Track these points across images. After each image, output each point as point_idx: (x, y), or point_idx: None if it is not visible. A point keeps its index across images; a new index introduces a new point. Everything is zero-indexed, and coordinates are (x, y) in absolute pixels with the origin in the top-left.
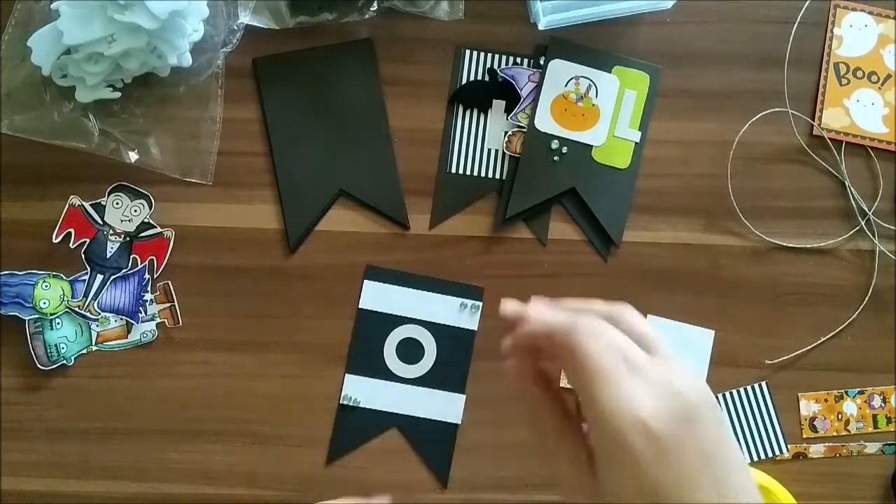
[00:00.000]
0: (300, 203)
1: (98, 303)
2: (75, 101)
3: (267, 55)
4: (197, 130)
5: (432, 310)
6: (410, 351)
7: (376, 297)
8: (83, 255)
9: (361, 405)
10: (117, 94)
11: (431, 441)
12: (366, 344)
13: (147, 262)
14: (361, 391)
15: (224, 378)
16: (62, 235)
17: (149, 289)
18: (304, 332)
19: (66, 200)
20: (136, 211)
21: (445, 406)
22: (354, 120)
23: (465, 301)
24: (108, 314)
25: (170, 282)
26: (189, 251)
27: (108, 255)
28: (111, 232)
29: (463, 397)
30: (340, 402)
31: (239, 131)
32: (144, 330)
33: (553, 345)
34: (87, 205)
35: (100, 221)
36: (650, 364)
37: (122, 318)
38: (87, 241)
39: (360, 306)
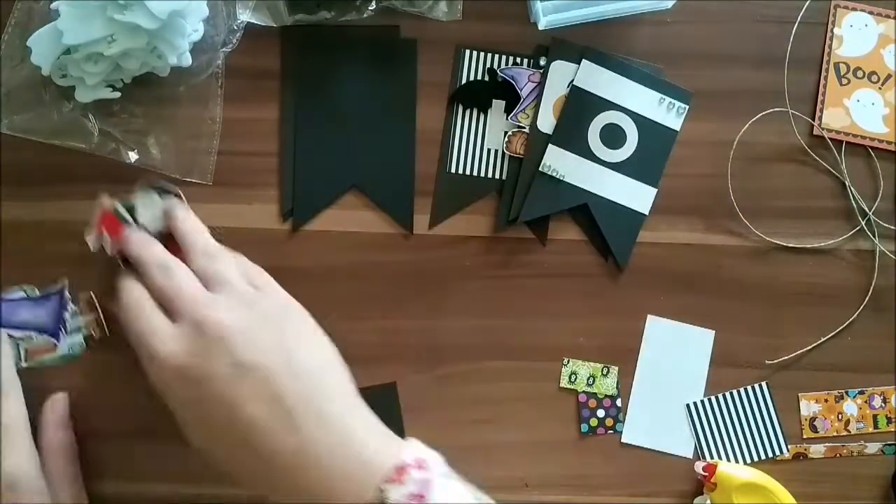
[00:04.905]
0: (312, 182)
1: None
2: (75, 101)
3: (298, 24)
4: (197, 130)
5: (639, 102)
6: (613, 136)
7: (591, 78)
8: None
9: (560, 178)
10: (117, 94)
11: (617, 225)
12: (574, 121)
13: None
14: (562, 165)
15: None
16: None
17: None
18: None
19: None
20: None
21: (637, 195)
22: (385, 118)
23: (673, 102)
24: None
25: (91, 292)
26: None
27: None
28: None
29: (654, 191)
30: (539, 169)
31: (238, 131)
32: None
33: None
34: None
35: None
36: None
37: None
38: None
39: (574, 84)
